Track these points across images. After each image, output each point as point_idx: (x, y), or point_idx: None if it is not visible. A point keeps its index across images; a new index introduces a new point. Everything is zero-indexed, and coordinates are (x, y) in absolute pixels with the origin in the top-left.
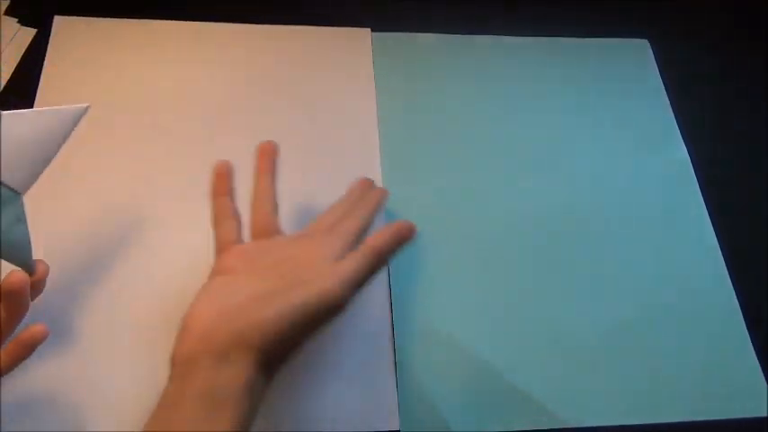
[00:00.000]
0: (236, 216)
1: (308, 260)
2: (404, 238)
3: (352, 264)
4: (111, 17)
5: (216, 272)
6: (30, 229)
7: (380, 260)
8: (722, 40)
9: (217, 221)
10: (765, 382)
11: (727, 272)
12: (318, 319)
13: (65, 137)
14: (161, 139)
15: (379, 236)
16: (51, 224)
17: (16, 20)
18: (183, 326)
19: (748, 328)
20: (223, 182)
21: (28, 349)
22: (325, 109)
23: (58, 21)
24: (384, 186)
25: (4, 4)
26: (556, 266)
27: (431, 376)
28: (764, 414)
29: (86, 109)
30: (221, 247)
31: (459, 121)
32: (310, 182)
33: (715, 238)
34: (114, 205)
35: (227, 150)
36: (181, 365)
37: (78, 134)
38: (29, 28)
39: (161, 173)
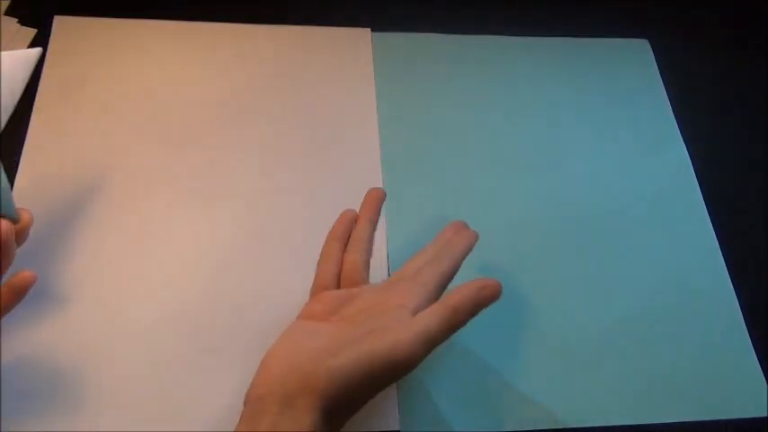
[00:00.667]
0: (339, 263)
1: (387, 309)
2: (486, 297)
3: (426, 320)
4: (111, 17)
5: (302, 315)
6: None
7: (458, 319)
8: (722, 40)
9: (320, 263)
10: (765, 382)
11: (727, 272)
12: (387, 371)
13: (23, 81)
14: (161, 138)
15: (459, 293)
16: (51, 222)
17: (16, 20)
18: (260, 367)
19: (748, 328)
20: (342, 226)
21: (19, 294)
22: (326, 109)
23: (58, 21)
24: (384, 186)
25: (4, 4)
26: (556, 266)
27: (431, 376)
28: (764, 414)
29: (39, 52)
30: (314, 291)
31: (459, 122)
32: (310, 182)
33: (715, 238)
34: (114, 205)
35: (227, 150)
36: (250, 406)
37: (79, 133)
38: (29, 28)
39: (161, 172)
